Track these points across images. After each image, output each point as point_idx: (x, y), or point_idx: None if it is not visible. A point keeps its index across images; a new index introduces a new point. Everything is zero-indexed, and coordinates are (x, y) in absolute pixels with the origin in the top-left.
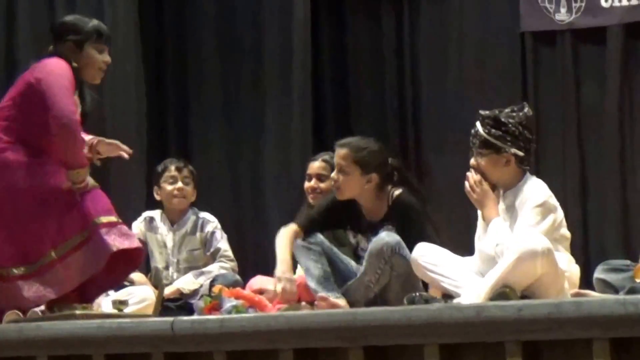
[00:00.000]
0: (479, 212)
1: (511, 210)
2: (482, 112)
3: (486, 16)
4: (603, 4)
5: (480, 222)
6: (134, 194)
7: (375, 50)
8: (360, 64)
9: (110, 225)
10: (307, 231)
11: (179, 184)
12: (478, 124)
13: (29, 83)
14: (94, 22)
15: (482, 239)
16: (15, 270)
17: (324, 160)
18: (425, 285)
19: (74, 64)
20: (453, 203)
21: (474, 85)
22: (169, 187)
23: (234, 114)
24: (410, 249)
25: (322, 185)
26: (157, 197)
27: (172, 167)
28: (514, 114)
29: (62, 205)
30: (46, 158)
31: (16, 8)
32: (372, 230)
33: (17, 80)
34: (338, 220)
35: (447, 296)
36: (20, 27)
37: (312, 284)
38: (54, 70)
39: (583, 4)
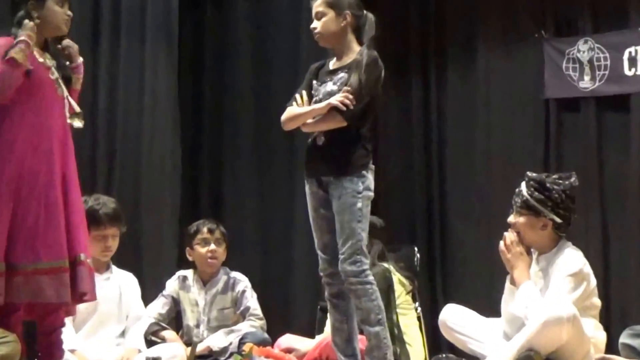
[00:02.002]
0: (508, 276)
1: (544, 274)
2: (529, 173)
3: (511, 83)
4: (626, 72)
5: (507, 285)
6: (165, 252)
7: (402, 118)
8: (388, 130)
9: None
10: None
11: (212, 246)
12: (523, 184)
13: None
14: None
15: (509, 301)
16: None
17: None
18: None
19: (37, 21)
20: (477, 266)
21: (498, 151)
22: (202, 250)
23: (266, 175)
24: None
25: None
26: (190, 258)
27: (205, 230)
28: (560, 181)
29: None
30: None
31: None
32: (329, 76)
33: None
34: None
35: (474, 358)
36: None
37: (335, 349)
38: None
39: (607, 72)
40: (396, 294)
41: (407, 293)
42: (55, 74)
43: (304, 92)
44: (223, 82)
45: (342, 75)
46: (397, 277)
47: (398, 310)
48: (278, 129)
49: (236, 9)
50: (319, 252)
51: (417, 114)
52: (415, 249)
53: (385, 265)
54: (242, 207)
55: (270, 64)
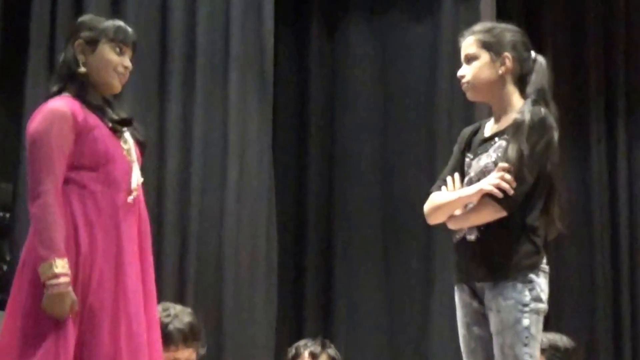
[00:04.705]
0: None
1: None
2: None
3: None
4: None
5: None
6: None
7: (579, 195)
8: None
9: None
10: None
11: None
12: None
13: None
14: (116, 21)
15: None
16: None
17: None
18: None
19: (82, 69)
20: None
21: None
22: None
23: (393, 274)
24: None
25: None
26: None
27: (306, 354)
28: None
29: None
30: None
31: None
32: (485, 145)
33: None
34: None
35: None
36: None
37: None
38: (40, 130)
39: None
40: None
41: None
42: (128, 143)
43: (456, 174)
44: (334, 139)
45: (499, 143)
46: None
47: None
48: (408, 210)
49: (352, 40)
50: None
51: (599, 190)
52: None
53: None
54: (361, 319)
55: (398, 116)
